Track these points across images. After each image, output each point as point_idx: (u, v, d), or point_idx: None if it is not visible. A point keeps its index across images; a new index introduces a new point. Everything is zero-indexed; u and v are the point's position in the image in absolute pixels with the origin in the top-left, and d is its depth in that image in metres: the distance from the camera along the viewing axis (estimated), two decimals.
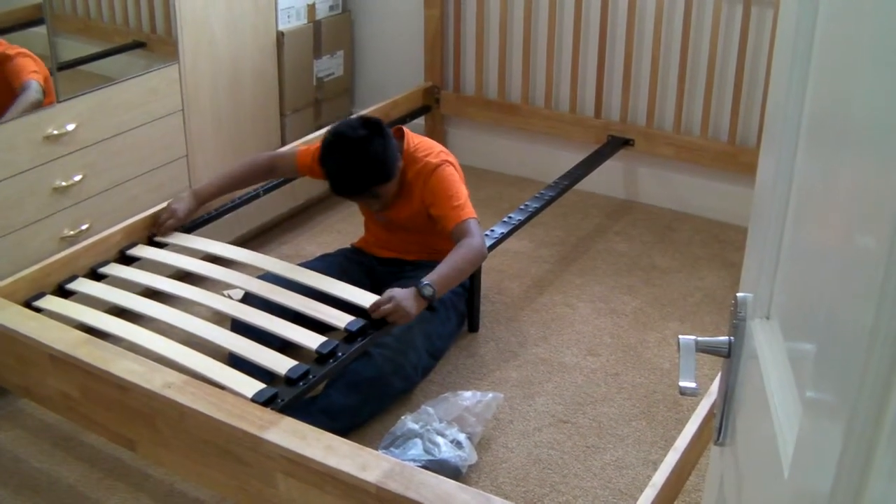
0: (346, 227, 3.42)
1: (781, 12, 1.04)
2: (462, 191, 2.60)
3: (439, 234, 2.65)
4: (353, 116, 2.65)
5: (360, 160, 2.51)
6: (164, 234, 2.75)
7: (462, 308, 2.76)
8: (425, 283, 2.37)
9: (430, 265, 2.51)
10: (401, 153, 2.61)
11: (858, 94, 0.71)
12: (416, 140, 2.69)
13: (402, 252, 2.77)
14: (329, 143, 2.56)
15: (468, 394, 2.39)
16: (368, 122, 2.57)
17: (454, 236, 2.53)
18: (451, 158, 2.67)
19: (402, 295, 2.34)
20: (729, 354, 1.06)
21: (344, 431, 2.20)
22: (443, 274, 2.42)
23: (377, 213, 2.73)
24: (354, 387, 2.41)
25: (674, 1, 3.35)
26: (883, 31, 0.65)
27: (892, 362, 0.55)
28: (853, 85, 0.73)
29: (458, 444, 2.25)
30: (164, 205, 2.82)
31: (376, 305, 2.34)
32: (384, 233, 2.79)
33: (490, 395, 2.40)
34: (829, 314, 0.71)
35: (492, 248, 2.74)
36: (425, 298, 2.36)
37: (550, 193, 3.14)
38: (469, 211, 2.56)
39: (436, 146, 2.68)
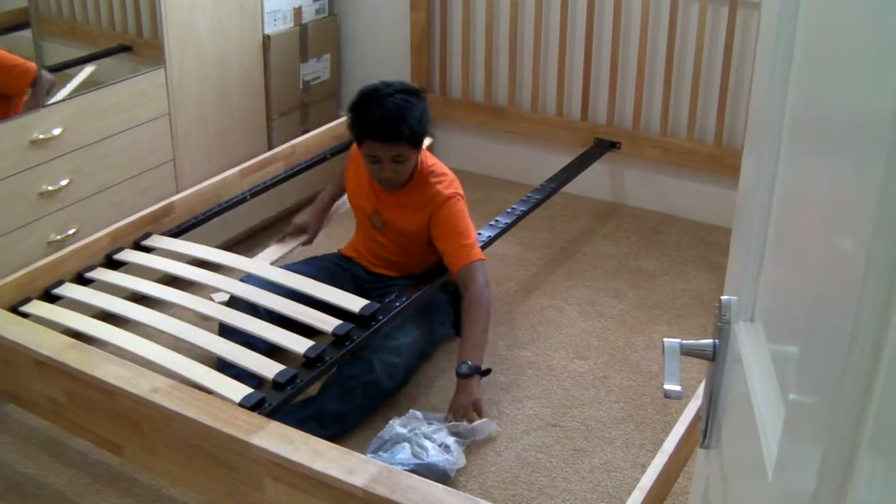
0: (334, 231, 3.41)
1: (763, 15, 1.04)
2: (471, 228, 2.62)
3: (429, 254, 2.68)
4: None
5: (413, 109, 2.51)
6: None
7: (451, 312, 2.76)
8: (465, 363, 2.40)
9: (417, 279, 2.57)
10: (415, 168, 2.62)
11: (838, 97, 0.71)
12: (431, 161, 2.69)
13: (390, 269, 2.77)
14: (379, 87, 2.56)
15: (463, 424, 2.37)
16: (417, 91, 2.60)
17: (460, 276, 2.56)
18: (461, 191, 2.67)
19: (464, 403, 2.37)
20: (714, 357, 1.07)
21: (333, 438, 2.19)
22: (474, 344, 2.46)
23: (374, 216, 2.71)
24: (349, 392, 2.40)
25: (659, 3, 3.36)
26: (862, 35, 0.65)
27: (873, 364, 0.56)
28: (833, 88, 0.73)
29: (447, 448, 2.25)
30: (151, 209, 2.83)
31: (456, 422, 2.37)
32: (374, 245, 2.77)
33: (484, 421, 2.39)
34: (811, 317, 0.72)
35: None
36: (471, 375, 2.40)
37: (537, 196, 3.14)
38: (477, 252, 2.59)
39: (449, 173, 2.68)
